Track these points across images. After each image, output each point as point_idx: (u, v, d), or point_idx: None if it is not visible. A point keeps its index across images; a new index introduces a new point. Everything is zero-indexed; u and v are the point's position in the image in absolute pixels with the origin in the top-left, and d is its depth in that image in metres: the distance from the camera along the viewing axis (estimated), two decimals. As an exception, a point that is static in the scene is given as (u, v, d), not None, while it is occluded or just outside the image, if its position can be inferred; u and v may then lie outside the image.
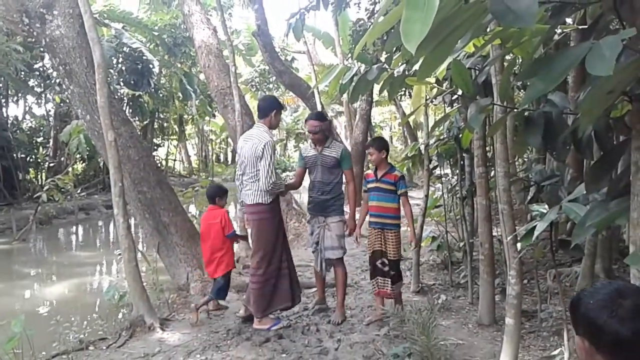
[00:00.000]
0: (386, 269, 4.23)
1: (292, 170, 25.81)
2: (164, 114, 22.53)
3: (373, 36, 1.76)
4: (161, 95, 20.59)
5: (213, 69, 8.71)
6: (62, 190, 12.39)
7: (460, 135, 4.64)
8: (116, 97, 14.16)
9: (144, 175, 5.67)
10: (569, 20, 3.71)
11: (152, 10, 18.27)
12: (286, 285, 4.31)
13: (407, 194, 4.30)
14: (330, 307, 4.72)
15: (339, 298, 4.45)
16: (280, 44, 18.11)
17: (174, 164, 27.49)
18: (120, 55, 16.69)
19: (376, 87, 3.42)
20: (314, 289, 5.01)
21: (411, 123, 18.04)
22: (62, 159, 17.20)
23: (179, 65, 19.58)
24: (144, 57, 16.72)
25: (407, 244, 4.82)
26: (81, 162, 17.78)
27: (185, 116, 24.52)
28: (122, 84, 17.32)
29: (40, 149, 17.29)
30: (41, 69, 16.10)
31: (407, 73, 3.01)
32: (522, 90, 6.40)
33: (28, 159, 16.48)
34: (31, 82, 16.54)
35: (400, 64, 3.16)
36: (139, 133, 7.61)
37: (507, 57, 3.22)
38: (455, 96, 4.46)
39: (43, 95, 17.07)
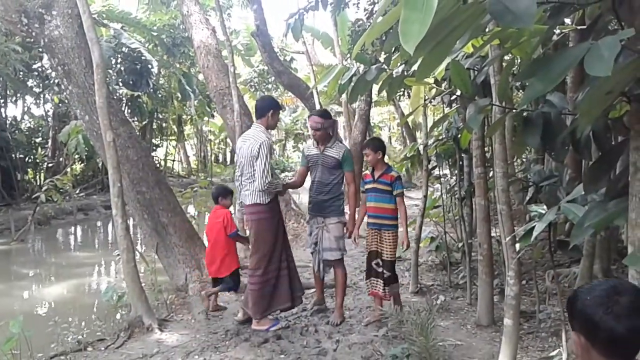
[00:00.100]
0: (380, 269, 4.23)
1: (290, 171, 25.79)
2: (162, 114, 22.48)
3: (372, 36, 1.76)
4: (160, 95, 20.53)
5: (212, 69, 8.71)
6: (61, 190, 12.38)
7: (459, 136, 4.63)
8: (115, 97, 14.09)
9: (142, 175, 5.67)
10: (567, 21, 3.70)
11: (151, 11, 18.22)
12: (286, 285, 4.30)
13: (403, 195, 4.28)
14: (329, 307, 4.72)
15: (338, 299, 4.43)
16: (279, 44, 18.09)
17: (172, 165, 27.43)
18: (119, 56, 16.64)
19: (375, 88, 3.42)
20: (313, 290, 5.00)
21: (410, 123, 18.06)
22: (61, 159, 17.16)
23: (178, 65, 19.54)
24: (143, 58, 16.68)
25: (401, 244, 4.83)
26: (80, 162, 17.72)
27: (184, 116, 24.48)
28: (120, 84, 17.28)
29: (39, 149, 17.23)
30: (40, 69, 16.05)
31: (405, 73, 3.01)
32: (520, 91, 6.42)
33: (26, 159, 16.43)
34: (30, 83, 16.50)
35: (399, 64, 3.16)
36: (137, 133, 7.60)
37: (506, 58, 3.23)
38: (454, 96, 4.46)
39: (42, 95, 17.01)
